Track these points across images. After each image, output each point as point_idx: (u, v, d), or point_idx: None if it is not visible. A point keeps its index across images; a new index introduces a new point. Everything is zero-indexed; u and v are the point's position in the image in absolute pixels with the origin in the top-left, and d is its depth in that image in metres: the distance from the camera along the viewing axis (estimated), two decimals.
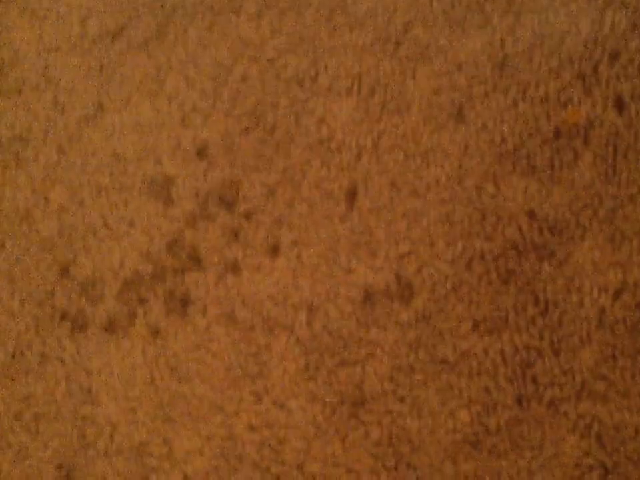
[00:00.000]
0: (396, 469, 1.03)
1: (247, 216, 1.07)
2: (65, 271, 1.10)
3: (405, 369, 1.05)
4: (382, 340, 1.05)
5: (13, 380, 1.05)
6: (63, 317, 1.06)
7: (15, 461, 1.03)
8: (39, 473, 1.01)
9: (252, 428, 1.02)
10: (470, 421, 1.05)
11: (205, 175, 1.08)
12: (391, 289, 1.06)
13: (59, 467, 1.02)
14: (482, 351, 1.06)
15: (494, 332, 1.06)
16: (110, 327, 1.06)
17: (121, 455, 1.02)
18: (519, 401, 1.06)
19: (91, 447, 1.02)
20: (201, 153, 1.08)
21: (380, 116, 1.08)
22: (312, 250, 1.06)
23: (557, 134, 1.09)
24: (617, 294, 1.06)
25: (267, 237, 1.06)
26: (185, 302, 1.05)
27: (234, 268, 1.06)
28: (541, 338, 1.06)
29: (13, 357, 1.05)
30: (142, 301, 1.06)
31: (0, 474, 1.02)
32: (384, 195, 1.08)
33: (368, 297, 1.06)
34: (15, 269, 1.09)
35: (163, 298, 1.06)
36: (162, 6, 1.12)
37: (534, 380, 1.06)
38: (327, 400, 1.04)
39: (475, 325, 1.06)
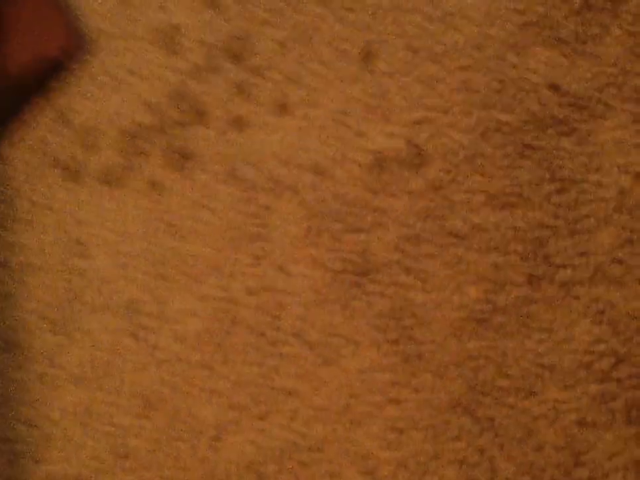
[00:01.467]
0: (398, 342, 0.97)
1: (255, 71, 0.99)
2: (59, 116, 1.02)
3: (412, 240, 0.99)
4: (390, 208, 0.99)
5: (0, 226, 0.97)
6: (56, 163, 0.99)
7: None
8: (23, 324, 0.93)
9: (249, 291, 0.96)
10: (478, 298, 0.99)
11: (213, 26, 1.01)
12: (402, 156, 1.00)
13: (44, 318, 0.95)
14: (494, 226, 1.00)
15: (507, 207, 1.00)
16: (105, 178, 0.98)
17: (110, 310, 0.95)
18: (530, 281, 1.00)
19: (79, 301, 0.95)
20: (211, 2, 1.01)
21: None
22: (321, 110, 0.99)
23: (585, 6, 1.03)
24: (639, 176, 1.00)
25: (275, 93, 0.99)
26: (186, 156, 0.98)
27: (238, 124, 0.99)
28: (557, 216, 1.00)
29: (1, 202, 0.97)
30: (140, 153, 0.99)
31: None
32: (400, 58, 1.01)
33: (378, 162, 0.99)
34: None
35: (162, 151, 0.98)
36: None
37: (547, 259, 1.00)
38: (329, 267, 0.97)
39: (489, 199, 1.00)
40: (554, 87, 1.03)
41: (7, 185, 0.99)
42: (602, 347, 0.99)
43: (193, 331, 0.96)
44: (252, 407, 0.95)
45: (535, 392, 0.98)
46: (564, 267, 1.00)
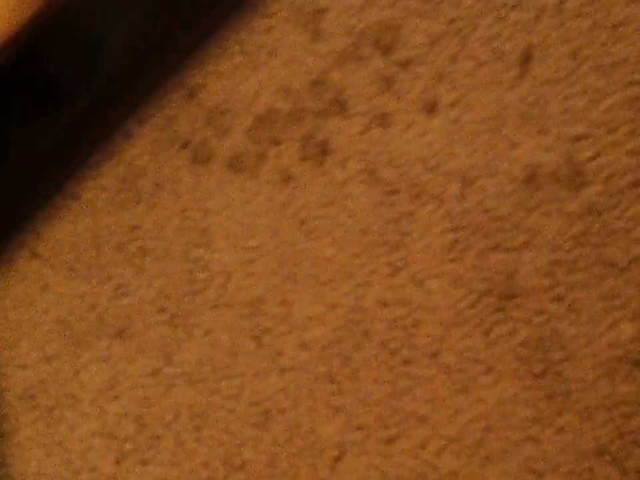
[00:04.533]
0: (543, 376, 0.86)
1: (404, 65, 0.90)
2: (191, 95, 0.93)
3: (565, 266, 0.88)
4: (543, 229, 0.88)
5: (121, 207, 0.87)
6: (184, 145, 0.90)
7: (113, 297, 0.85)
8: (139, 313, 0.83)
9: (384, 303, 0.85)
10: (634, 337, 0.87)
11: (362, 12, 0.91)
12: (559, 173, 0.89)
13: (162, 309, 0.85)
14: None
15: None
16: (235, 165, 0.89)
17: (233, 308, 0.85)
18: None
19: (200, 295, 0.85)
20: None
21: None
22: (474, 115, 0.89)
23: None
24: None
25: (424, 92, 0.89)
26: (324, 150, 0.88)
27: (383, 121, 0.89)
28: None
29: (123, 181, 0.87)
30: (275, 142, 0.89)
31: (96, 308, 0.84)
32: (562, 66, 0.91)
33: (532, 177, 0.89)
34: None
35: (299, 142, 0.89)
36: None
37: None
38: (473, 286, 0.86)
39: None
40: None
41: (131, 164, 0.90)
42: None
43: (320, 339, 0.86)
44: (379, 429, 0.84)
45: None
46: None
